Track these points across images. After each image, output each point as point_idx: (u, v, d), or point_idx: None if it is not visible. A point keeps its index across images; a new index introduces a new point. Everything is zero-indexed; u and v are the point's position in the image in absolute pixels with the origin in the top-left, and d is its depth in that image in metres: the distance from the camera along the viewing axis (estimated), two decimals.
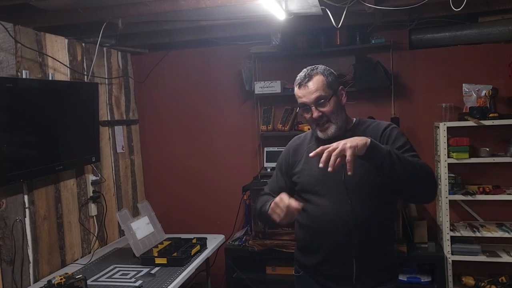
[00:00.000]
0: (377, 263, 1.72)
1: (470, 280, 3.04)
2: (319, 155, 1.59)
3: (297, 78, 1.75)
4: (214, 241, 3.02)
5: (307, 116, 1.74)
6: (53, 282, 2.16)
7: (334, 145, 1.44)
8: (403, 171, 1.49)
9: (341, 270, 1.72)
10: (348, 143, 1.43)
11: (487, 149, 2.98)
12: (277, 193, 1.72)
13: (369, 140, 1.46)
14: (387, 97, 3.28)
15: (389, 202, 1.76)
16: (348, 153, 1.41)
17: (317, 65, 1.76)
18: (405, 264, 3.02)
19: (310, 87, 1.70)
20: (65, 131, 2.67)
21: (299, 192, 1.84)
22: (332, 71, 1.77)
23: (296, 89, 1.75)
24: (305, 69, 1.75)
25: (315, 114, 1.70)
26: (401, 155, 1.53)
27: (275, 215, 1.65)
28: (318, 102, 1.69)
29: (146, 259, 2.65)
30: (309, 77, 1.71)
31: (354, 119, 1.82)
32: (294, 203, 1.61)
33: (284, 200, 1.62)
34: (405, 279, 2.94)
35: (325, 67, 1.76)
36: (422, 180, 1.56)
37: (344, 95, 1.76)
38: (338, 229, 1.68)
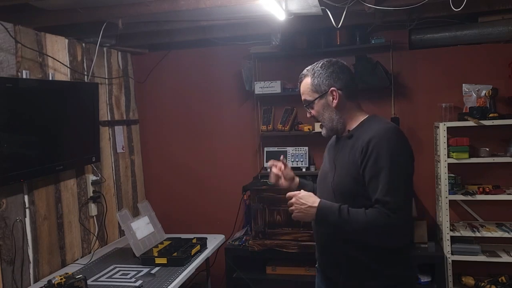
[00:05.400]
0: (366, 270, 1.61)
1: (470, 280, 3.05)
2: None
3: None
4: (214, 241, 3.02)
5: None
6: (53, 282, 2.16)
7: (292, 200, 1.66)
8: (349, 236, 1.60)
9: (331, 272, 1.73)
10: (294, 214, 1.65)
11: (487, 149, 2.98)
12: None
13: (314, 215, 1.60)
14: (387, 97, 3.28)
15: None
16: (292, 216, 1.67)
17: (321, 61, 1.74)
18: None
19: (300, 88, 1.77)
20: (65, 131, 2.67)
21: None
22: (328, 70, 1.69)
23: None
24: (308, 67, 1.77)
25: (307, 114, 1.78)
26: (350, 222, 1.54)
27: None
28: (305, 104, 1.76)
29: (146, 259, 2.65)
30: (302, 77, 1.77)
31: (367, 116, 1.72)
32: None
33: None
34: None
35: (322, 65, 1.71)
36: (371, 240, 1.57)
37: (335, 97, 1.67)
38: (326, 231, 1.70)
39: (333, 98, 1.68)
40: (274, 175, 1.91)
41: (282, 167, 1.89)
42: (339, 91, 1.68)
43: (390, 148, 1.52)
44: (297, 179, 1.94)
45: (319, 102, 1.70)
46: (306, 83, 1.73)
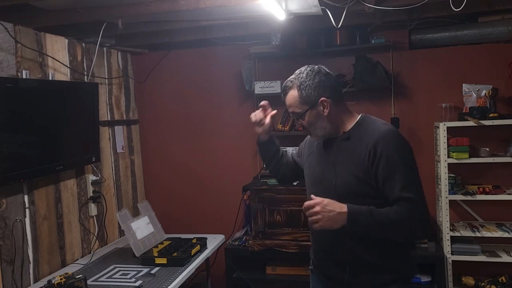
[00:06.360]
0: (371, 266, 1.66)
1: (470, 280, 3.05)
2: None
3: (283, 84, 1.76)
4: (214, 241, 3.02)
5: None
6: (53, 282, 2.16)
7: (316, 209, 1.54)
8: (380, 235, 1.59)
9: (334, 271, 1.73)
10: (322, 223, 1.54)
11: (487, 149, 2.98)
12: (292, 158, 2.00)
13: (345, 221, 1.53)
14: (387, 97, 3.28)
15: (380, 208, 1.61)
16: (315, 226, 1.56)
17: (304, 71, 1.70)
18: None
19: (286, 101, 1.74)
20: (65, 131, 2.67)
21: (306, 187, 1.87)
22: (315, 80, 1.67)
23: None
24: (291, 76, 1.72)
25: (297, 124, 1.75)
26: (381, 221, 1.54)
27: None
28: (293, 116, 1.74)
29: (146, 259, 2.65)
30: (286, 89, 1.72)
31: (359, 116, 1.74)
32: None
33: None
34: None
35: (306, 75, 1.67)
36: (400, 236, 1.64)
37: (326, 107, 1.67)
38: (329, 232, 1.65)
39: (324, 108, 1.68)
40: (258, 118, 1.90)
41: (264, 118, 1.90)
42: (328, 100, 1.68)
43: (398, 149, 1.60)
44: (269, 136, 1.95)
45: (310, 113, 1.68)
46: (293, 95, 1.69)
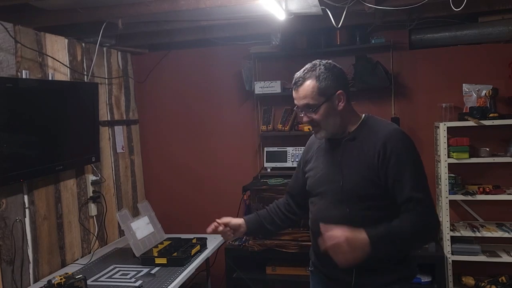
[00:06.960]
0: (375, 267, 1.64)
1: (470, 280, 3.04)
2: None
3: (294, 76, 1.70)
4: (214, 241, 3.01)
5: (301, 117, 1.73)
6: (53, 282, 2.16)
7: (343, 250, 1.46)
8: (398, 249, 1.61)
9: (336, 272, 1.71)
10: (344, 261, 1.47)
11: (487, 149, 2.98)
12: (296, 191, 1.91)
13: (369, 249, 1.47)
14: (387, 97, 3.28)
15: (387, 209, 1.63)
16: (335, 258, 1.49)
17: (319, 63, 1.67)
18: None
19: (299, 92, 1.67)
20: (65, 131, 2.67)
21: (307, 192, 1.83)
22: (333, 72, 1.66)
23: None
24: (305, 67, 1.69)
25: (304, 118, 1.70)
26: (399, 235, 1.53)
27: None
28: (306, 109, 1.67)
29: (146, 259, 2.65)
30: (302, 80, 1.66)
31: (363, 116, 1.73)
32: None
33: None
34: None
35: (325, 67, 1.66)
36: (418, 243, 1.75)
37: (342, 100, 1.66)
38: None
39: (339, 101, 1.66)
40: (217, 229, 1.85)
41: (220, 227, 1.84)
42: (344, 94, 1.67)
43: (406, 148, 1.61)
44: (241, 223, 1.88)
45: (325, 106, 1.64)
46: (310, 86, 1.64)
